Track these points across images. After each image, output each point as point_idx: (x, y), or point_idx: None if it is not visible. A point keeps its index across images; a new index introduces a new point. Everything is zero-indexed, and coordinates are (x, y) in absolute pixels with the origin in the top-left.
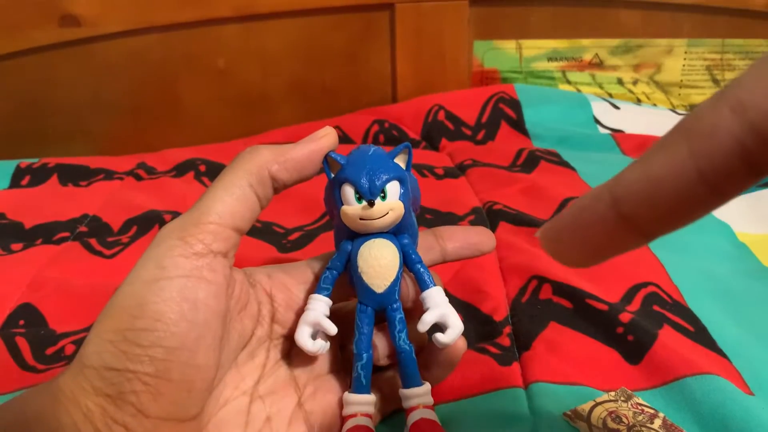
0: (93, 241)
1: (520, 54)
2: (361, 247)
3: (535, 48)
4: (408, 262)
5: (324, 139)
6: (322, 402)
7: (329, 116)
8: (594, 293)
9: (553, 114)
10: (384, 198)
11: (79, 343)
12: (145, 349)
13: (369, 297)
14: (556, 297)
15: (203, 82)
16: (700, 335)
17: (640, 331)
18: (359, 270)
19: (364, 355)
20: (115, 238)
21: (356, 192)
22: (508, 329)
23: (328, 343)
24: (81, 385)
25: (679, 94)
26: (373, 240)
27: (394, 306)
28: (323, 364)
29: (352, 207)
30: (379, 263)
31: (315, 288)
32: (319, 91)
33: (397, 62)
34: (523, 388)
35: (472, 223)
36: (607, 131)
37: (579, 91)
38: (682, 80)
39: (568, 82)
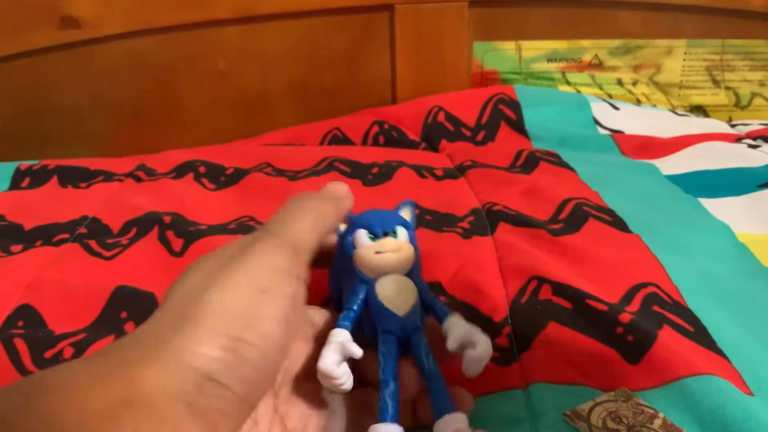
0: (92, 243)
1: (519, 55)
2: (379, 280)
3: (534, 49)
4: (423, 298)
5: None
6: None
7: (329, 118)
8: (594, 293)
9: (553, 115)
10: (395, 236)
11: (77, 345)
12: (246, 367)
13: (392, 322)
14: (555, 297)
15: (203, 84)
16: (700, 335)
17: (639, 332)
18: (379, 298)
19: (391, 383)
20: (115, 240)
21: (369, 232)
22: (507, 330)
23: (352, 381)
24: (166, 386)
25: (679, 95)
26: (388, 274)
27: (418, 331)
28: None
29: (365, 245)
30: (398, 289)
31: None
32: (318, 93)
33: (396, 63)
34: (522, 388)
35: (472, 224)
36: (607, 132)
37: (578, 92)
38: (681, 81)
39: (568, 83)
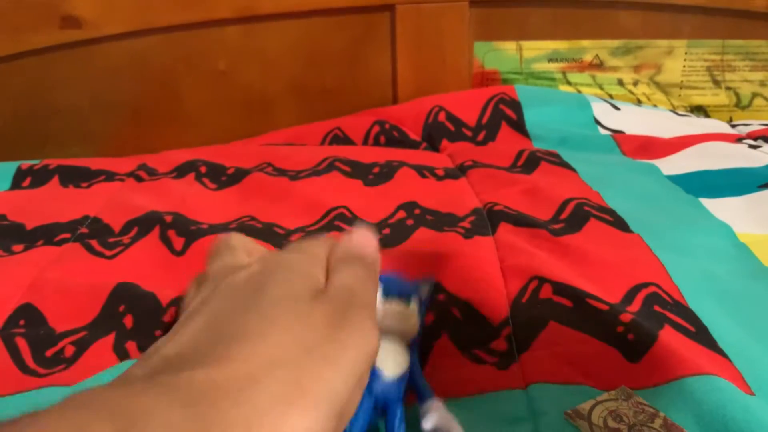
0: (94, 242)
1: (520, 55)
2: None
3: (535, 49)
4: (413, 373)
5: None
6: None
7: (329, 118)
8: (595, 293)
9: (554, 115)
10: (407, 304)
11: (78, 344)
12: None
13: (377, 383)
14: (556, 296)
15: (204, 84)
16: (701, 335)
17: (640, 331)
18: None
19: None
20: (116, 239)
21: (384, 293)
22: (507, 331)
23: None
24: None
25: (680, 95)
26: (389, 336)
27: (398, 402)
28: None
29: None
30: (393, 353)
31: None
32: (319, 93)
33: (397, 63)
34: (522, 389)
35: (473, 224)
36: (608, 132)
37: (579, 92)
38: (682, 81)
39: (569, 83)
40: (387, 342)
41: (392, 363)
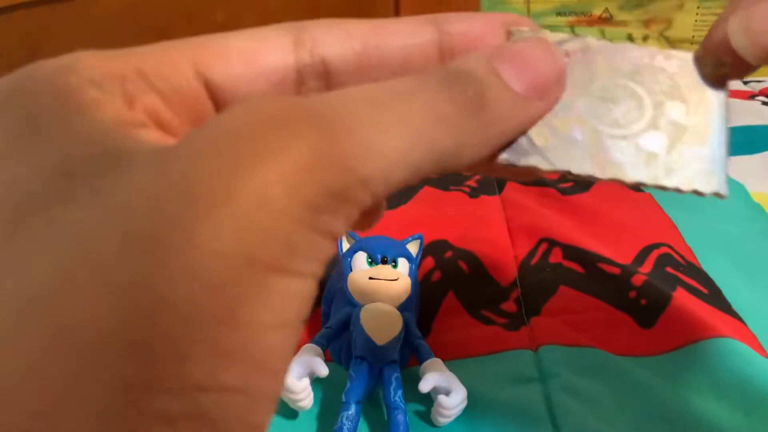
0: None
1: (528, 9)
2: (366, 306)
3: (543, 2)
4: (408, 335)
5: None
6: None
7: None
8: (606, 255)
9: None
10: (395, 267)
11: None
12: None
13: (368, 350)
14: (566, 261)
15: None
16: (715, 297)
17: (653, 295)
18: (361, 323)
19: (353, 406)
20: None
21: (369, 257)
22: (515, 293)
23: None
24: None
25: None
26: (377, 302)
27: (393, 365)
28: None
29: (361, 270)
30: (383, 318)
31: None
32: None
33: (401, 15)
34: (533, 350)
35: (479, 182)
36: None
37: None
38: (694, 36)
39: None
40: (375, 308)
41: (382, 330)
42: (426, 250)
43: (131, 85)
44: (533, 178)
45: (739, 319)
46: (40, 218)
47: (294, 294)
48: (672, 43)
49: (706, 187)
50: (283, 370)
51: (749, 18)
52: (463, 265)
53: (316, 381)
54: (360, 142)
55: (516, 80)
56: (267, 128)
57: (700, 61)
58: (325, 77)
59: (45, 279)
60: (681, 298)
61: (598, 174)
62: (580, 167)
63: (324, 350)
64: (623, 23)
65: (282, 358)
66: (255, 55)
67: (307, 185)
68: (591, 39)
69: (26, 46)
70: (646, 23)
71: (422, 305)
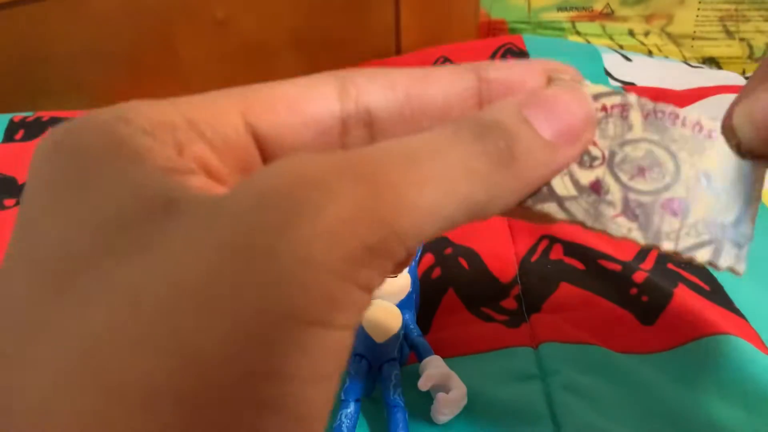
0: None
1: (528, 4)
2: None
3: None
4: (408, 332)
5: None
6: None
7: (331, 69)
8: (607, 252)
9: None
10: None
11: None
12: None
13: (367, 348)
14: (567, 258)
15: (201, 33)
16: (716, 294)
17: (654, 292)
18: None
19: (351, 404)
20: None
21: None
22: (516, 290)
23: None
24: None
25: (692, 47)
26: (377, 298)
27: (393, 362)
28: None
29: None
30: (382, 315)
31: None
32: (320, 44)
33: (401, 13)
34: (533, 347)
35: None
36: (618, 84)
37: (589, 42)
38: (695, 32)
39: (578, 33)
40: (374, 305)
41: (382, 326)
42: (426, 246)
43: (182, 134)
44: (546, 223)
45: (741, 316)
46: (91, 273)
47: (333, 346)
48: (673, 39)
49: (723, 261)
50: (322, 423)
51: (752, 109)
52: (463, 261)
53: None
54: (398, 198)
55: (545, 126)
56: (311, 185)
57: (725, 135)
58: (369, 126)
59: (97, 333)
60: (682, 294)
61: (614, 232)
62: (597, 222)
63: None
64: (624, 19)
65: (321, 410)
66: (301, 105)
67: (347, 240)
68: (632, 96)
69: (24, 43)
70: (647, 18)
71: (422, 302)
